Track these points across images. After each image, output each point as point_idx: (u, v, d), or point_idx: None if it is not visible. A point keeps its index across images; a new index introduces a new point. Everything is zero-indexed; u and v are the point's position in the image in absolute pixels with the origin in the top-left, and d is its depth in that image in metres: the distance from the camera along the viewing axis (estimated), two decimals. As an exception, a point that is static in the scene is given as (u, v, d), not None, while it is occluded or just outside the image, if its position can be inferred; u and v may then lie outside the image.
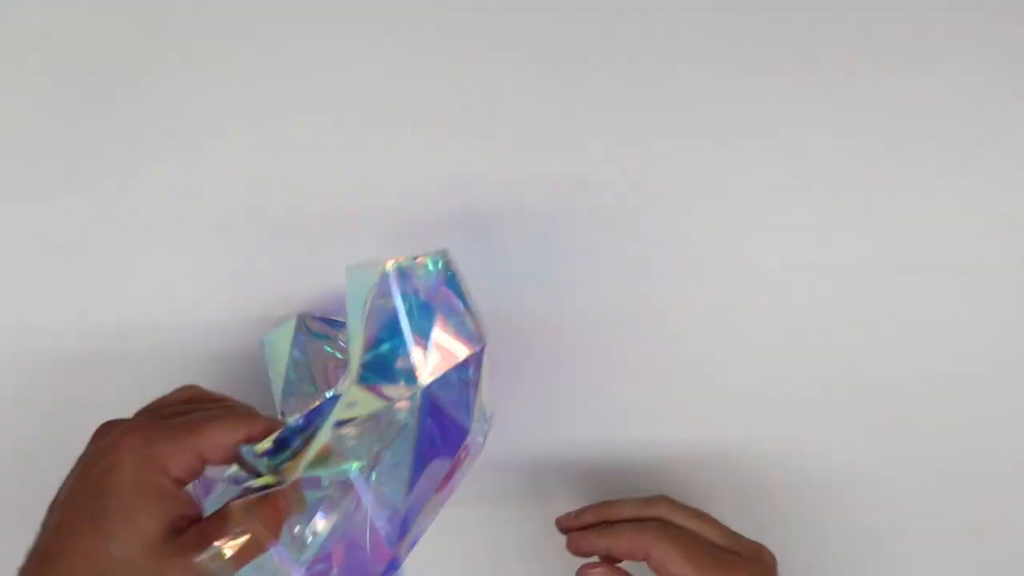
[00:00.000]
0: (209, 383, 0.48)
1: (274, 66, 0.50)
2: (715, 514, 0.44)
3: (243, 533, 0.33)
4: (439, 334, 0.39)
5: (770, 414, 0.50)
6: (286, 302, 0.49)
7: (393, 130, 0.49)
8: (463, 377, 0.40)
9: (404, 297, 0.39)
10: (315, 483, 0.38)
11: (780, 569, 0.40)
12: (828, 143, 0.50)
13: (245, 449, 0.35)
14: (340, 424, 0.37)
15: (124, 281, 0.49)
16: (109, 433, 0.34)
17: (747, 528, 0.44)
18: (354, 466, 0.37)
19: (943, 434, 0.51)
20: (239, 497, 0.35)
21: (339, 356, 0.46)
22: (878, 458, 0.51)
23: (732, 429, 0.51)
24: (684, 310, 0.50)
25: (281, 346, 0.46)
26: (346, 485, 0.38)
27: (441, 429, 0.40)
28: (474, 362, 0.40)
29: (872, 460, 0.51)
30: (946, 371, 0.50)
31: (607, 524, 0.39)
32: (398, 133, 0.49)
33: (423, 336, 0.39)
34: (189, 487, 0.34)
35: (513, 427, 0.50)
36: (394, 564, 0.39)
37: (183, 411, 0.35)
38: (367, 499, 0.38)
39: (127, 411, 0.48)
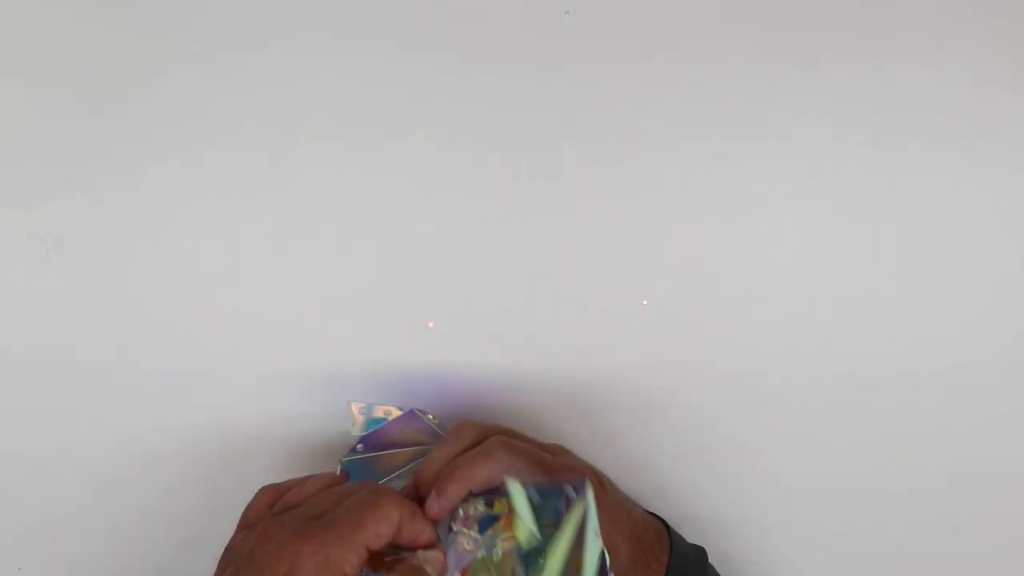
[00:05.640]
0: (209, 382, 0.48)
1: (275, 69, 0.50)
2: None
3: None
4: None
5: (771, 410, 0.50)
6: (287, 300, 0.49)
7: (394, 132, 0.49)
8: None
9: None
10: None
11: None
12: (828, 142, 0.50)
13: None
14: None
15: (124, 281, 0.49)
16: (278, 536, 0.36)
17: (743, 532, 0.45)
18: None
19: (943, 434, 0.51)
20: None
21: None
22: (877, 457, 0.51)
23: (731, 427, 0.51)
24: (685, 308, 0.50)
25: None
26: None
27: None
28: None
29: (871, 460, 0.51)
30: (946, 370, 0.50)
31: (455, 464, 0.39)
32: (399, 133, 0.49)
33: None
34: None
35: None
36: None
37: (333, 503, 0.37)
38: None
39: (126, 413, 0.49)
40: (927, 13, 0.49)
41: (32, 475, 0.48)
